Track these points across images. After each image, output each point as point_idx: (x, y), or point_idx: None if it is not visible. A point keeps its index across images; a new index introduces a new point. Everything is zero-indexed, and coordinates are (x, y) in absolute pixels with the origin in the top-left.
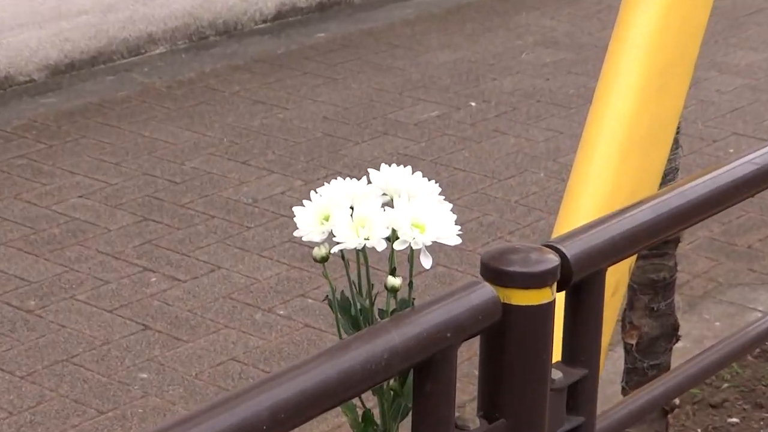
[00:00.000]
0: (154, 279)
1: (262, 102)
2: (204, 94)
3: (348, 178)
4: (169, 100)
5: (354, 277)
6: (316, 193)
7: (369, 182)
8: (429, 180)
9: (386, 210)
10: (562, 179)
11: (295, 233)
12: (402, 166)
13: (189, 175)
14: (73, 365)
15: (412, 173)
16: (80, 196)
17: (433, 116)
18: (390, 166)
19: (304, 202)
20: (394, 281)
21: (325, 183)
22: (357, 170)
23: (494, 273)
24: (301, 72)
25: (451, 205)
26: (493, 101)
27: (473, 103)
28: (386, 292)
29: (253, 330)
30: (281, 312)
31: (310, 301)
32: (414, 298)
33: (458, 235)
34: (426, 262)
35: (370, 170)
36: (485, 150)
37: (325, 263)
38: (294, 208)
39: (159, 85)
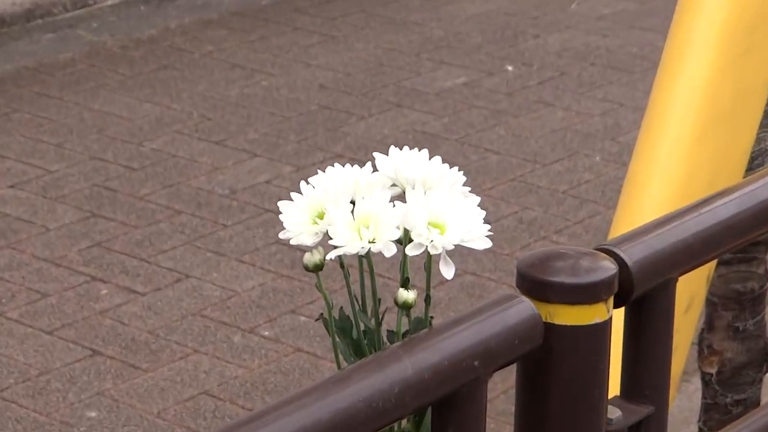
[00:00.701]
0: (105, 291)
1: (241, 66)
2: (168, 56)
3: (349, 164)
4: (124, 64)
5: (356, 289)
6: (308, 183)
7: (375, 169)
8: (452, 166)
9: (397, 205)
10: (623, 163)
11: (282, 235)
12: (418, 148)
13: (149, 159)
14: (2, 401)
15: (430, 157)
16: (11, 186)
17: (459, 84)
18: (402, 148)
19: (293, 194)
20: (406, 295)
21: (321, 170)
22: (361, 153)
23: (534, 284)
24: (290, 28)
25: (479, 198)
26: (536, 64)
27: (510, 67)
28: (397, 308)
29: (231, 356)
30: (266, 333)
31: (302, 319)
32: (432, 317)
33: (488, 236)
34: (447, 270)
35: (376, 154)
36: (525, 126)
37: (320, 272)
38: (280, 203)
39: (111, 45)
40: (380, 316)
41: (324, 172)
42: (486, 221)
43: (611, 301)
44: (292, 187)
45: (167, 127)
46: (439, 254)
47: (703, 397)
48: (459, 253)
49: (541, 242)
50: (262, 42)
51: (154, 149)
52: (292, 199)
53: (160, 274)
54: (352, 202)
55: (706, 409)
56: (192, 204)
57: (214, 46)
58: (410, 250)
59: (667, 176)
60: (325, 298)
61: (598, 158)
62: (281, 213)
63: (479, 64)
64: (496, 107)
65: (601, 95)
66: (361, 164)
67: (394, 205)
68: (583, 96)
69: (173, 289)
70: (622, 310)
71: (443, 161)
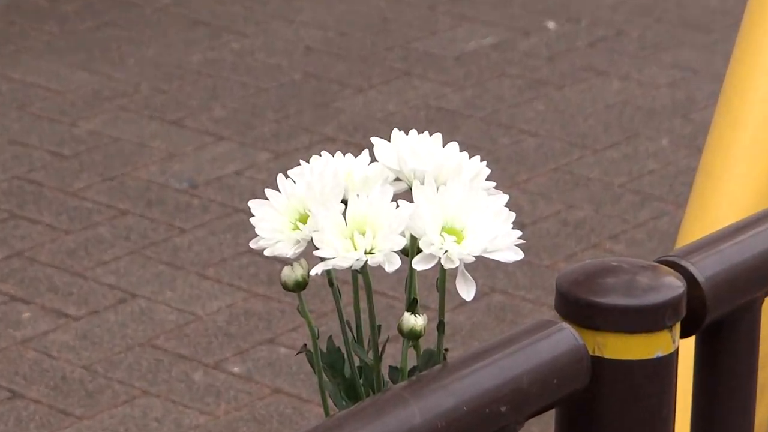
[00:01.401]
0: (27, 315)
1: (204, 23)
2: (109, 11)
3: (341, 152)
4: (52, 21)
5: (350, 313)
6: (288, 177)
7: (374, 159)
8: (475, 153)
9: (401, 205)
10: (697, 149)
11: (254, 243)
12: (430, 130)
13: (85, 144)
14: None
15: (446, 142)
16: None
17: (486, 45)
18: (411, 130)
19: (269, 192)
20: (413, 321)
21: (305, 159)
22: (358, 136)
23: (579, 307)
24: None
25: (507, 196)
26: (585, 20)
27: (551, 24)
28: (402, 338)
29: (190, 398)
30: (235, 369)
31: (282, 351)
32: (447, 349)
33: (520, 245)
34: (466, 290)
35: (376, 139)
36: (571, 100)
37: (303, 292)
38: (251, 203)
39: None
40: (380, 348)
41: (308, 161)
42: (518, 225)
43: (678, 328)
44: (269, 179)
45: (108, 102)
46: (457, 269)
47: None
48: (484, 267)
49: (591, 251)
50: None
51: (91, 131)
52: (267, 198)
53: (98, 292)
54: (344, 202)
55: None
56: (140, 202)
57: None
58: (419, 264)
59: (750, 167)
60: (310, 325)
61: (665, 142)
62: (253, 215)
63: (511, 20)
64: (533, 76)
65: (669, 60)
66: (358, 151)
67: (397, 206)
68: (645, 61)
69: (115, 312)
70: (691, 340)
71: (464, 147)
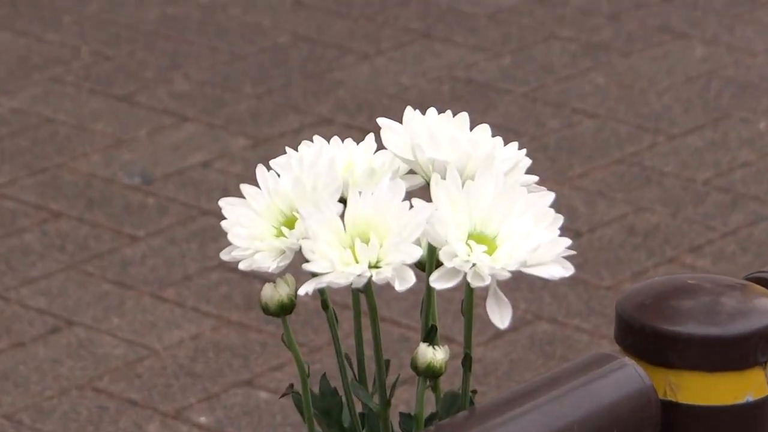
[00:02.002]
0: None
1: None
2: None
3: (338, 138)
4: None
5: (350, 345)
6: (270, 170)
7: (381, 145)
8: (513, 138)
9: (416, 206)
10: None
11: (225, 254)
12: (454, 110)
13: (8, 126)
14: None
15: (475, 124)
16: None
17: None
18: (425, 112)
19: (245, 188)
20: (431, 355)
21: (293, 146)
22: (362, 117)
23: (645, 337)
24: None
25: (553, 195)
26: None
27: None
28: (417, 377)
29: None
30: (201, 419)
31: (261, 396)
32: (474, 391)
33: (570, 258)
34: (499, 315)
35: (383, 120)
36: (640, 72)
37: (288, 317)
38: (222, 202)
39: None
40: (389, 391)
41: (296, 150)
42: (571, 233)
43: None
44: (246, 173)
45: (37, 72)
46: (488, 287)
47: None
48: (527, 287)
49: (666, 267)
50: None
51: (16, 109)
52: (244, 196)
53: (23, 318)
54: (343, 201)
55: None
56: (79, 202)
57: None
58: (438, 281)
59: None
60: (298, 360)
61: (762, 125)
62: (225, 218)
63: None
64: (590, 39)
65: None
66: (361, 136)
67: (411, 206)
68: (738, 20)
69: (45, 343)
70: None
71: (500, 131)
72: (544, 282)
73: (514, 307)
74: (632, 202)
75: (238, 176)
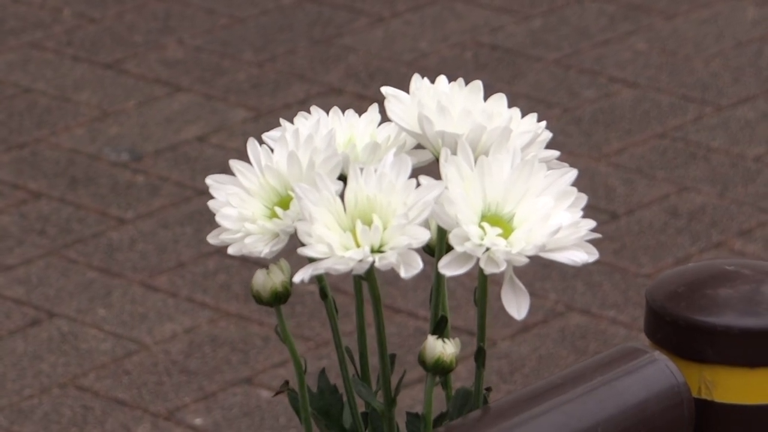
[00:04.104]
0: None
1: None
2: None
3: (338, 111)
4: None
5: (349, 343)
6: (263, 144)
7: (384, 117)
8: (544, 113)
9: (424, 184)
10: None
11: (213, 238)
12: (463, 78)
13: None
14: None
15: (486, 96)
16: None
17: None
18: (435, 80)
19: (234, 165)
20: (441, 349)
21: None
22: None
23: (678, 329)
24: None
25: (575, 171)
26: None
27: None
28: (425, 372)
29: None
30: (197, 420)
31: (262, 394)
32: (489, 389)
33: (595, 241)
34: (516, 304)
35: (387, 89)
36: (684, 35)
37: (283, 306)
38: (209, 180)
39: None
40: (393, 389)
41: (293, 123)
42: (608, 215)
43: None
44: (241, 148)
45: (14, 36)
46: (503, 274)
47: None
48: (558, 275)
49: (713, 252)
50: None
51: None
52: (234, 173)
53: (0, 309)
54: (343, 179)
55: None
56: (61, 180)
57: None
58: (448, 267)
59: None
60: (293, 354)
61: None
62: (213, 198)
63: None
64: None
65: None
66: (360, 106)
67: (418, 184)
68: None
69: (24, 337)
70: None
71: (530, 101)
72: (577, 270)
73: (544, 297)
74: (675, 180)
75: (237, 152)
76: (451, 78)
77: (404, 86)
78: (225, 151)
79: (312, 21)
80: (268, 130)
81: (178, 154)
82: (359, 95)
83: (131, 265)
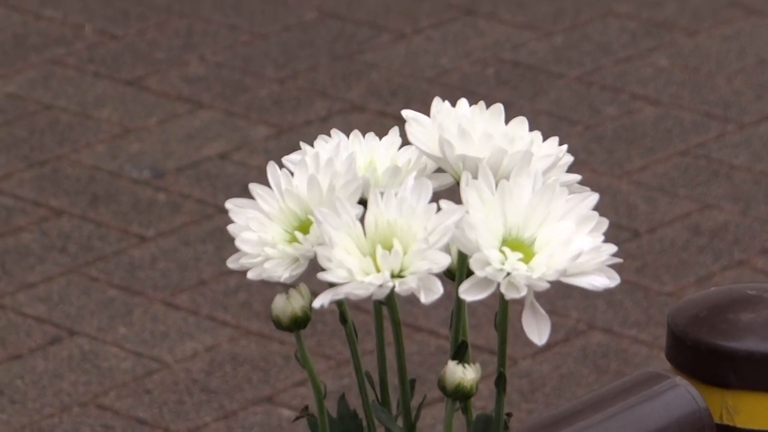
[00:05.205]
0: None
1: None
2: None
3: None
4: None
5: (371, 362)
6: (283, 168)
7: (404, 140)
8: (565, 130)
9: (444, 208)
10: None
11: (233, 262)
12: (495, 96)
13: (2, 114)
14: None
15: (508, 114)
16: None
17: None
18: (467, 98)
19: (254, 188)
20: (461, 374)
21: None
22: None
23: (699, 354)
24: None
25: (596, 196)
26: None
27: None
28: (445, 397)
29: None
30: None
31: (284, 413)
32: (509, 414)
33: (615, 265)
34: (537, 329)
35: (408, 113)
36: (707, 52)
37: (302, 331)
38: (229, 204)
39: None
40: (413, 414)
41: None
42: (630, 233)
43: None
44: (262, 165)
45: (35, 52)
46: (524, 299)
47: None
48: (579, 293)
49: (735, 271)
50: None
51: (12, 95)
52: (254, 197)
53: (21, 327)
54: (363, 203)
55: None
56: (82, 197)
57: None
58: (469, 292)
59: None
60: (313, 379)
61: None
62: (232, 221)
63: None
64: (652, 15)
65: None
66: (399, 122)
67: (439, 208)
68: None
69: (45, 355)
70: None
71: (552, 119)
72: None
73: (565, 316)
74: (697, 198)
75: (258, 169)
76: (473, 95)
77: (426, 103)
78: (246, 168)
79: (334, 37)
80: (289, 147)
81: (200, 172)
82: (381, 112)
83: (152, 283)
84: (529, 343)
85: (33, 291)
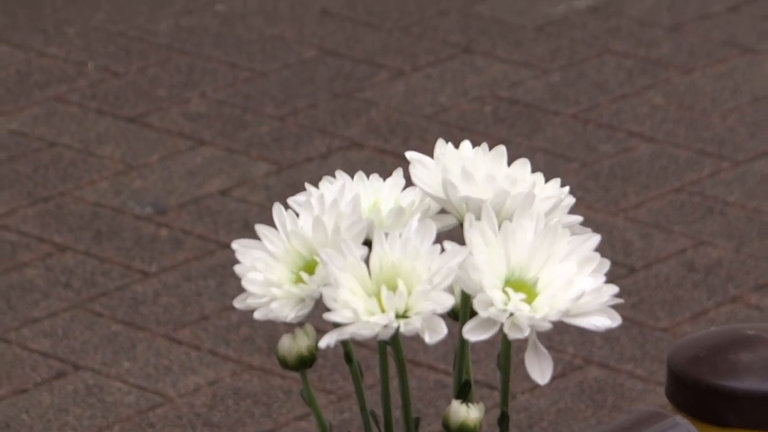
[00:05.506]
0: None
1: None
2: None
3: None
4: None
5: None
6: (288, 209)
7: (408, 181)
8: (562, 166)
9: (448, 250)
10: None
11: (239, 302)
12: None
13: (7, 151)
14: None
15: (517, 154)
16: None
17: (581, 9)
18: (466, 135)
19: (260, 229)
20: (465, 414)
21: (320, 171)
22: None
23: (699, 393)
24: None
25: (598, 237)
26: None
27: None
28: None
29: None
30: None
31: None
32: None
33: (623, 296)
34: (539, 369)
35: (412, 154)
36: (702, 90)
37: (308, 370)
38: (236, 245)
39: None
40: None
41: (320, 179)
42: (626, 269)
43: None
44: (269, 202)
45: (38, 90)
46: (527, 339)
47: None
48: (575, 329)
49: (729, 307)
50: None
51: (15, 132)
52: (259, 237)
53: (26, 362)
54: (368, 244)
55: None
56: (86, 233)
57: None
58: (473, 332)
59: None
60: (319, 419)
61: None
62: (238, 262)
63: None
64: (648, 54)
65: None
66: (395, 161)
67: (443, 249)
68: None
69: (50, 390)
70: None
71: (549, 156)
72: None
73: (562, 351)
74: (692, 235)
75: (259, 206)
76: (470, 132)
77: (424, 140)
78: (247, 204)
79: (333, 75)
80: (290, 184)
81: (201, 208)
82: (380, 149)
83: (155, 318)
84: (527, 377)
85: (38, 326)
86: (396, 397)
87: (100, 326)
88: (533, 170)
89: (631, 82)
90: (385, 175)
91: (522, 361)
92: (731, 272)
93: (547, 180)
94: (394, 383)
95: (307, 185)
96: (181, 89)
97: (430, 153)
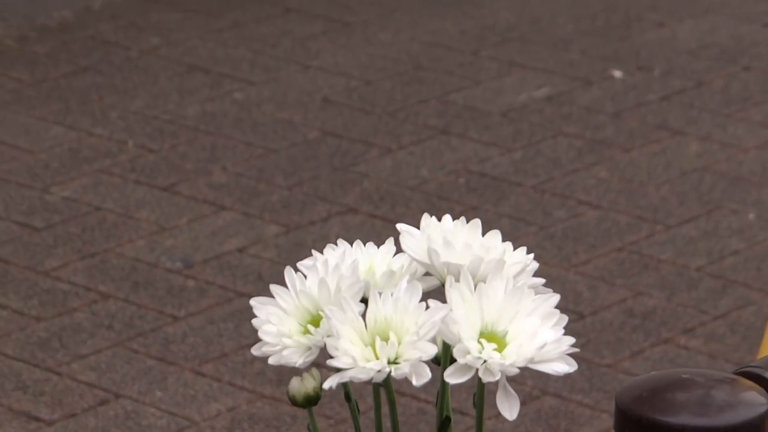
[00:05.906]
0: None
1: (203, 69)
2: (90, 54)
3: (360, 245)
4: (20, 66)
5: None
6: (297, 272)
7: (398, 248)
8: (523, 229)
9: (432, 306)
10: None
11: (256, 350)
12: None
13: (60, 214)
14: None
15: (485, 218)
16: None
17: (540, 97)
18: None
19: (274, 288)
20: None
21: (322, 231)
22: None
23: (642, 427)
24: (280, 9)
25: (558, 296)
26: (658, 69)
27: (618, 73)
28: None
29: None
30: None
31: None
32: None
33: (574, 338)
34: (509, 407)
35: (402, 226)
36: (640, 166)
37: (313, 407)
38: (253, 302)
39: (2, 36)
40: None
41: (325, 236)
42: (575, 315)
43: None
44: (278, 258)
45: (87, 163)
46: (498, 382)
47: None
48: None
49: (661, 347)
50: (236, 31)
51: (67, 198)
52: (272, 295)
53: (75, 391)
54: (364, 301)
55: None
56: (125, 284)
57: (162, 38)
58: (452, 376)
59: None
60: None
61: (752, 216)
62: (256, 316)
63: (570, 68)
64: (595, 135)
65: (758, 118)
66: (384, 224)
67: (427, 306)
68: (730, 119)
69: (96, 415)
70: None
71: (512, 220)
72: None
73: (523, 384)
74: (631, 287)
75: (271, 261)
76: (447, 200)
77: (408, 207)
78: (260, 260)
79: (332, 152)
80: (296, 243)
81: (222, 263)
82: (371, 214)
83: (183, 354)
84: (493, 404)
85: (85, 361)
86: (387, 425)
87: (137, 361)
88: (502, 235)
89: (581, 159)
90: (375, 235)
91: (490, 392)
92: (664, 318)
93: (515, 247)
94: (386, 410)
95: (314, 252)
96: (205, 163)
97: (413, 217)
